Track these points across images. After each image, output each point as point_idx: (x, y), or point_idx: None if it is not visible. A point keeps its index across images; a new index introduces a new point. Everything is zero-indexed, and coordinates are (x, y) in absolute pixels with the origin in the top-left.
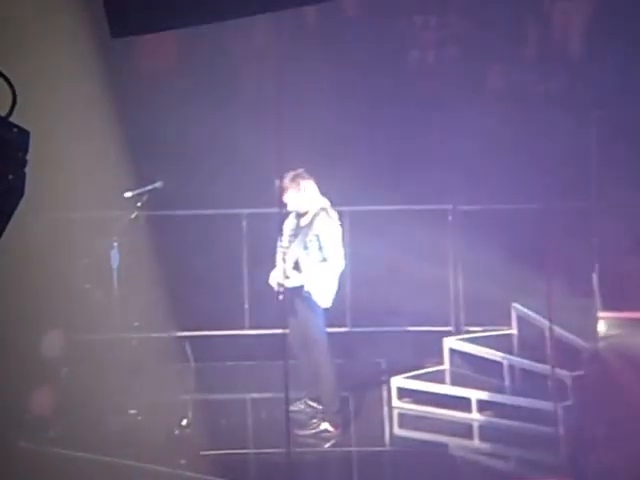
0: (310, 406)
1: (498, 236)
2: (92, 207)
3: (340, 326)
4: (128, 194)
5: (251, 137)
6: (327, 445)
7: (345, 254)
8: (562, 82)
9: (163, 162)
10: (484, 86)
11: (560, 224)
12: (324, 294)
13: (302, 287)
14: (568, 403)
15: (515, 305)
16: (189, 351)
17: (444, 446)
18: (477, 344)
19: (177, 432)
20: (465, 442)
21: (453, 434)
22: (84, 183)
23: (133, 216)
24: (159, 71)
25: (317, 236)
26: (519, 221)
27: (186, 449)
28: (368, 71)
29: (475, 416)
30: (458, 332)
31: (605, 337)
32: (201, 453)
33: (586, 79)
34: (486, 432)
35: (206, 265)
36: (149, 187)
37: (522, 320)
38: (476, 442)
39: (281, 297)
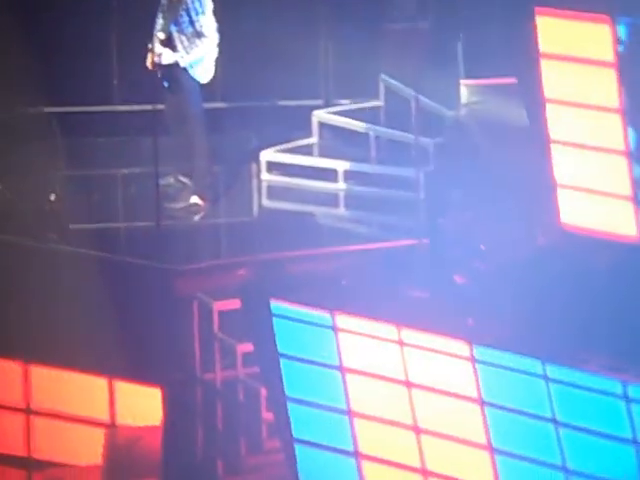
0: (180, 181)
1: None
2: None
3: (212, 101)
4: None
5: None
6: (196, 218)
7: (217, 28)
8: None
9: None
10: None
11: None
12: (200, 69)
13: (177, 64)
14: (429, 169)
15: (383, 77)
16: (56, 127)
17: (311, 215)
18: (345, 116)
19: (47, 208)
20: (331, 210)
21: (320, 203)
22: None
23: None
24: None
25: (187, 11)
26: None
27: (56, 224)
28: None
29: (341, 186)
30: (327, 105)
31: (466, 104)
32: (71, 227)
33: None
34: (351, 200)
35: (73, 35)
36: None
37: (389, 91)
38: (342, 210)
39: (159, 75)
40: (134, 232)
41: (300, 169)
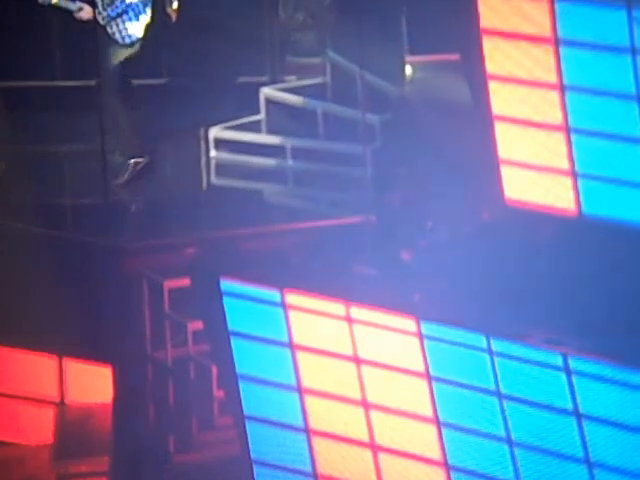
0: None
1: None
2: None
3: (157, 77)
4: None
5: None
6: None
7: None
8: None
9: None
10: None
11: None
12: (117, 30)
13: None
14: (376, 145)
15: (328, 52)
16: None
17: (259, 192)
18: (292, 93)
19: None
20: (280, 187)
21: (268, 180)
22: None
23: None
24: None
25: None
26: None
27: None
28: None
29: (289, 163)
30: (274, 82)
31: (411, 80)
32: (17, 203)
33: None
34: (299, 177)
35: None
36: None
37: (335, 68)
38: (290, 187)
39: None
40: (81, 209)
41: (248, 146)
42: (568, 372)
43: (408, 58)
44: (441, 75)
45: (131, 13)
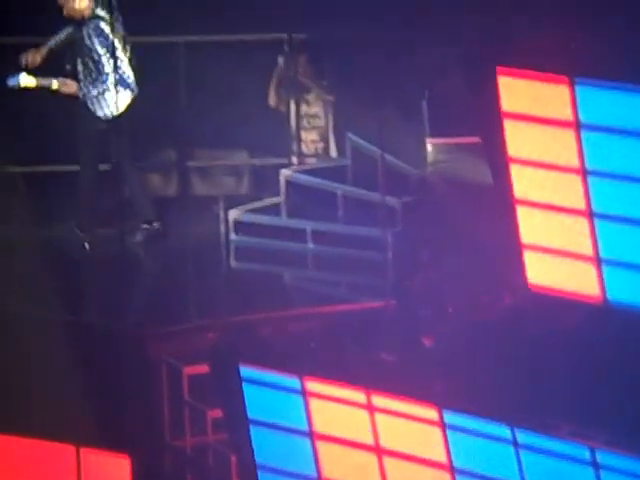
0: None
1: (331, 66)
2: None
3: (178, 160)
4: None
5: None
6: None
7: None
8: None
9: None
10: None
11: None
12: (99, 105)
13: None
14: (397, 229)
15: (349, 135)
16: None
17: (279, 276)
18: (313, 175)
19: None
20: (299, 271)
21: (288, 264)
22: None
23: None
24: None
25: (87, 45)
26: (350, 50)
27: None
28: None
29: (310, 246)
30: (295, 164)
31: (433, 163)
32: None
33: None
34: (320, 261)
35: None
36: None
37: (355, 150)
38: (310, 270)
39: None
40: (98, 294)
41: (268, 229)
42: (596, 466)
43: (429, 140)
44: (462, 157)
45: (114, 89)
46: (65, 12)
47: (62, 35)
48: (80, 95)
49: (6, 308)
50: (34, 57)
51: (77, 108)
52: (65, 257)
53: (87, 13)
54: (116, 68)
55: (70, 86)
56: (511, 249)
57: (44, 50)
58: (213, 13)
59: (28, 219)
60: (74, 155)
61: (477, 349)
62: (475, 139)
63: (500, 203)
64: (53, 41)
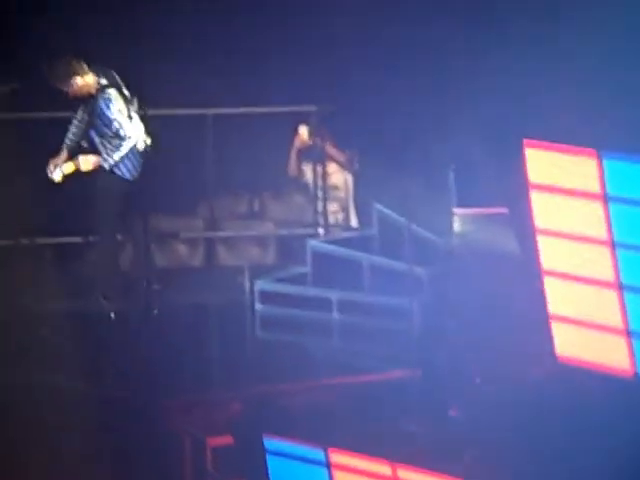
0: None
1: (358, 136)
2: None
3: (206, 230)
4: None
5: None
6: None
7: (209, 158)
8: None
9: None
10: None
11: (418, 121)
12: (125, 168)
13: (102, 168)
14: (423, 299)
15: (375, 205)
16: None
17: (304, 346)
18: (338, 245)
19: None
20: (325, 341)
21: (314, 333)
22: None
23: None
24: None
25: (100, 116)
26: (376, 119)
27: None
28: None
29: (335, 316)
30: (319, 234)
31: (459, 233)
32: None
33: None
34: (345, 330)
35: None
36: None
37: (382, 219)
38: (335, 340)
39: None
40: (121, 364)
41: (294, 299)
42: None
43: (456, 210)
44: (488, 228)
45: (131, 154)
46: (71, 95)
47: (74, 128)
48: (105, 165)
49: (31, 378)
50: (57, 162)
51: (100, 177)
52: (91, 328)
53: (94, 88)
54: (133, 128)
55: (94, 161)
56: (539, 320)
57: (65, 153)
58: (239, 85)
59: (55, 290)
60: (96, 226)
61: (505, 421)
62: (501, 209)
63: (527, 274)
64: (68, 140)
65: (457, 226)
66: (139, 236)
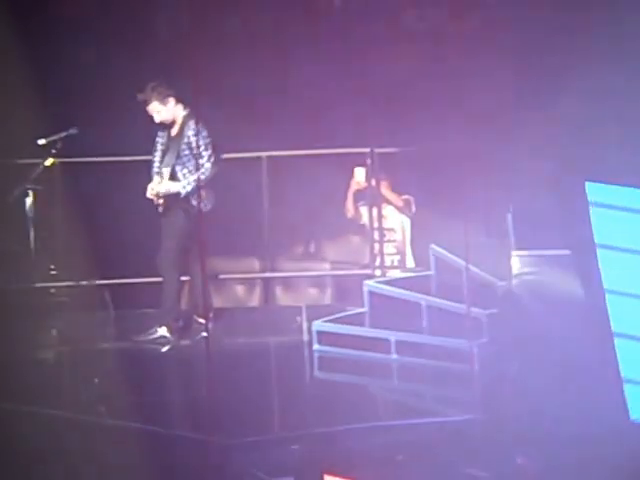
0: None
1: (416, 178)
2: (5, 154)
3: (261, 271)
4: (42, 141)
5: None
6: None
7: (266, 199)
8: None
9: (77, 108)
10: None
11: (477, 165)
12: (204, 194)
13: (178, 193)
14: (483, 340)
15: (433, 247)
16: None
17: (364, 387)
18: (396, 286)
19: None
20: (384, 382)
21: (372, 374)
22: None
23: (48, 163)
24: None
25: (188, 144)
26: (437, 162)
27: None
28: (277, 13)
29: (394, 357)
30: (376, 275)
31: (518, 275)
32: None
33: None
34: (404, 372)
35: (123, 210)
36: (63, 134)
37: (440, 261)
38: (395, 382)
39: (160, 209)
40: (180, 404)
41: (352, 339)
42: None
43: (515, 252)
44: (548, 270)
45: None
46: (157, 119)
47: (164, 163)
48: (183, 192)
49: (92, 419)
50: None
51: (174, 206)
52: (153, 367)
53: (178, 115)
54: (209, 158)
55: (175, 186)
56: (610, 381)
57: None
58: (301, 128)
59: (116, 331)
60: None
61: (574, 470)
62: (561, 251)
63: (591, 321)
64: (158, 168)
65: (516, 267)
66: (197, 276)
